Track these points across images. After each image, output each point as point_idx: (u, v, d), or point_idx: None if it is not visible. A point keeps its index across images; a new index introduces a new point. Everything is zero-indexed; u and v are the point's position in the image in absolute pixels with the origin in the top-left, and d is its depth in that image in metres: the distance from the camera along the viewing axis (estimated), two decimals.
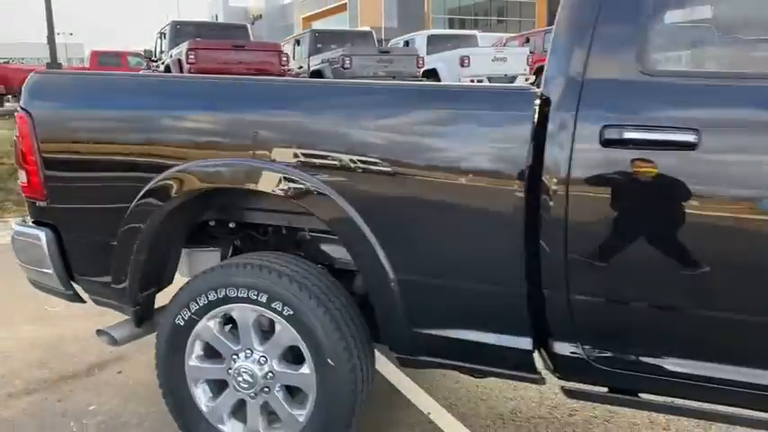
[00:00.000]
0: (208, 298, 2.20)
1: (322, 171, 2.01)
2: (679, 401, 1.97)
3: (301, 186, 2.02)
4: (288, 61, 12.25)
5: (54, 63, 15.40)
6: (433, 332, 2.06)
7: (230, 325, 2.29)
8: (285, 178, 2.04)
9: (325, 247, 2.44)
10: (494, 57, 12.99)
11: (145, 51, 14.41)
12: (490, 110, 1.88)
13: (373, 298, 2.09)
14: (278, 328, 2.16)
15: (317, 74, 12.64)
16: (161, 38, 13.90)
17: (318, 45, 13.56)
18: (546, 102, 1.84)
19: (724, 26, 1.86)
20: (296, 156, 2.03)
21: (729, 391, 1.82)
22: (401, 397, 2.92)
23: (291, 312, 2.10)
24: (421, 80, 12.02)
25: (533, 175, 1.81)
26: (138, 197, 2.22)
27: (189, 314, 2.24)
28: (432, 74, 13.19)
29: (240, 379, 2.23)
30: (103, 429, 2.62)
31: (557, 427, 2.68)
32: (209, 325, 2.25)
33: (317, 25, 58.82)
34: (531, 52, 13.61)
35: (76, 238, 2.42)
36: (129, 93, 2.35)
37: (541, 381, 2.06)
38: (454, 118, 1.91)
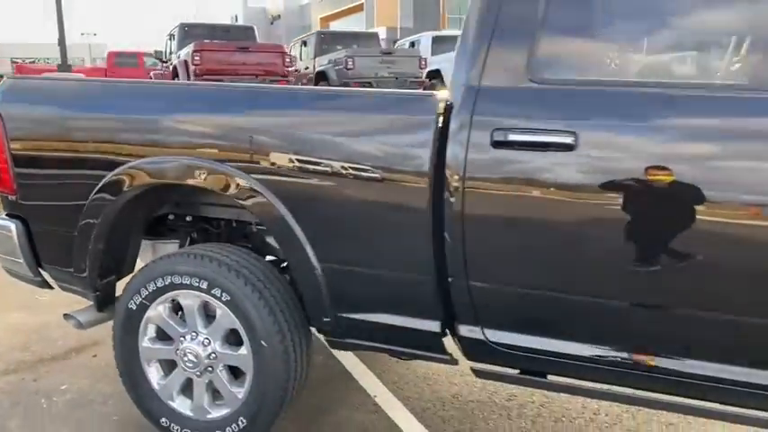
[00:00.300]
0: (156, 284, 2.41)
1: (252, 169, 2.20)
2: (589, 385, 2.13)
3: (231, 182, 2.22)
4: (291, 62, 12.47)
5: (64, 65, 15.79)
6: (355, 316, 2.25)
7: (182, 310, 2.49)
8: (217, 174, 2.24)
9: (269, 240, 2.64)
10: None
11: (156, 52, 14.76)
12: (399, 114, 2.07)
13: (300, 285, 2.28)
14: (218, 312, 2.36)
15: (322, 75, 12.87)
16: (170, 39, 14.24)
17: (324, 46, 13.79)
18: (450, 106, 2.02)
19: (608, 37, 2.03)
20: (228, 154, 2.23)
21: (625, 372, 1.98)
22: (352, 380, 3.11)
23: (229, 298, 2.30)
24: (423, 81, 12.21)
25: (437, 173, 2.00)
26: (94, 192, 2.43)
27: (140, 299, 2.45)
28: (436, 74, 13.36)
29: (186, 359, 2.43)
30: (70, 406, 2.84)
31: (492, 410, 2.85)
32: (159, 309, 2.46)
33: (335, 26, 59.15)
34: None
35: (43, 230, 2.64)
36: (86, 97, 2.57)
37: (453, 362, 2.25)
38: (368, 121, 2.10)
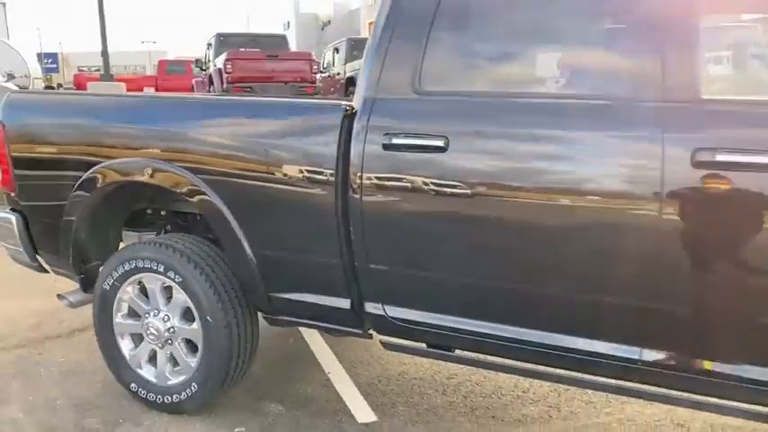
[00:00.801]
0: (123, 268, 2.81)
1: (195, 169, 2.58)
2: (492, 359, 2.43)
3: (179, 180, 2.61)
4: (319, 69, 12.93)
5: (107, 75, 16.68)
6: (283, 296, 2.60)
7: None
8: (167, 173, 2.63)
9: None
10: None
11: (196, 61, 15.48)
12: (310, 119, 2.41)
13: (237, 269, 2.65)
14: (174, 292, 2.75)
15: (352, 80, 13.29)
16: (208, 48, 14.92)
17: (354, 52, 14.21)
18: (354, 113, 2.35)
19: (475, 58, 2.33)
20: (176, 155, 2.62)
21: (511, 347, 2.27)
22: (313, 359, 3.45)
23: (181, 279, 2.68)
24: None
25: (344, 170, 2.33)
26: (74, 189, 2.86)
27: (112, 281, 2.86)
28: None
29: (151, 333, 2.83)
30: (64, 375, 3.27)
31: (430, 386, 3.15)
32: (128, 290, 2.86)
33: None
34: None
35: (37, 222, 3.09)
36: (70, 108, 3.00)
37: (368, 336, 2.57)
38: (288, 126, 2.46)
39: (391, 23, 2.32)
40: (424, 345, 2.50)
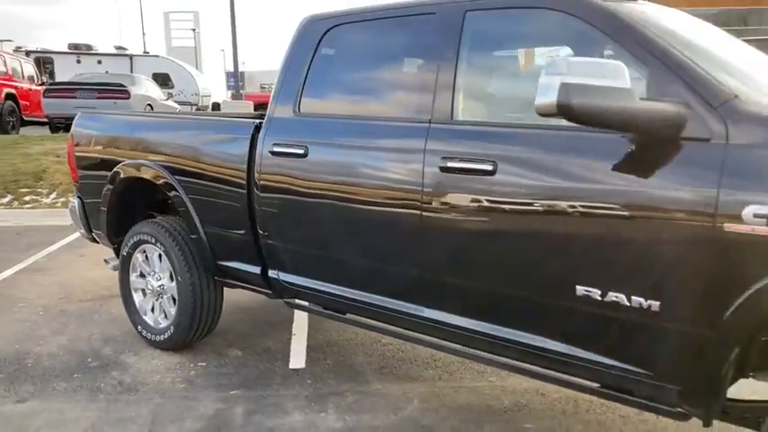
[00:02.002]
0: (133, 240, 3.88)
1: (166, 166, 3.57)
2: (380, 324, 3.10)
3: (160, 177, 3.61)
4: None
5: (237, 94, 18.77)
6: (224, 263, 3.51)
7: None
8: (151, 171, 3.64)
9: None
10: None
11: None
12: (233, 132, 3.31)
13: (194, 242, 3.59)
14: (162, 258, 3.76)
15: None
16: None
17: None
18: (259, 127, 3.20)
19: (337, 90, 3.07)
20: (157, 159, 3.63)
21: (384, 314, 2.94)
22: (289, 325, 4.30)
23: (164, 248, 3.69)
24: None
25: (249, 170, 3.19)
26: (106, 181, 3.97)
27: (128, 249, 3.94)
28: None
29: (150, 289, 3.87)
30: (108, 321, 4.39)
31: (363, 350, 3.88)
32: (138, 256, 3.92)
33: None
34: None
35: (88, 205, 4.26)
36: (108, 124, 4.14)
37: (275, 296, 3.39)
38: (217, 135, 3.38)
39: (287, 65, 3.16)
40: (320, 307, 3.27)
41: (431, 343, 2.78)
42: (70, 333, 4.20)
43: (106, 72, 17.51)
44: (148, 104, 14.03)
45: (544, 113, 1.95)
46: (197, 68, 38.03)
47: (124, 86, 13.47)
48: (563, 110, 1.89)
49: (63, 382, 3.48)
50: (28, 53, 23.46)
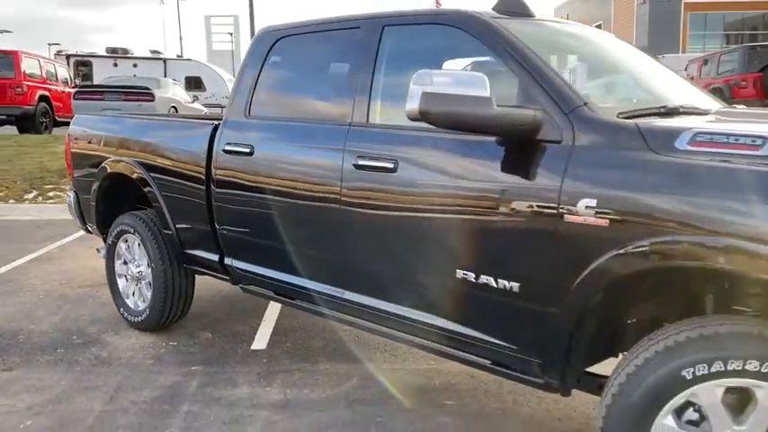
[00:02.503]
0: (116, 230, 4.27)
1: (140, 162, 3.95)
2: (322, 309, 3.44)
3: (135, 173, 4.00)
4: None
5: None
6: (190, 251, 3.87)
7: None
8: (129, 167, 4.03)
9: None
10: None
11: None
12: (193, 130, 3.68)
13: (165, 232, 3.96)
14: (140, 246, 4.15)
15: None
16: None
17: None
18: (217, 127, 3.56)
19: (281, 96, 3.40)
20: (131, 153, 4.02)
21: (318, 298, 3.28)
22: (262, 311, 4.64)
23: (141, 238, 4.08)
24: None
25: (209, 166, 3.55)
26: (94, 178, 4.38)
27: (112, 238, 4.34)
28: None
29: (130, 275, 4.27)
30: (100, 305, 4.79)
31: (323, 335, 4.19)
32: (121, 245, 4.32)
33: None
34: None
35: (82, 199, 4.68)
36: (98, 125, 4.56)
37: (234, 282, 3.74)
38: (182, 135, 3.74)
39: (241, 72, 3.52)
40: (272, 292, 3.60)
41: (351, 322, 3.09)
42: (63, 314, 4.62)
43: (134, 76, 18.23)
44: (173, 107, 14.62)
45: (412, 118, 2.25)
46: (235, 72, 38.88)
47: (149, 89, 14.09)
48: (424, 115, 2.19)
49: (47, 356, 3.88)
50: (68, 57, 24.45)
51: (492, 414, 3.17)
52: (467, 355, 2.63)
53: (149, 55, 25.34)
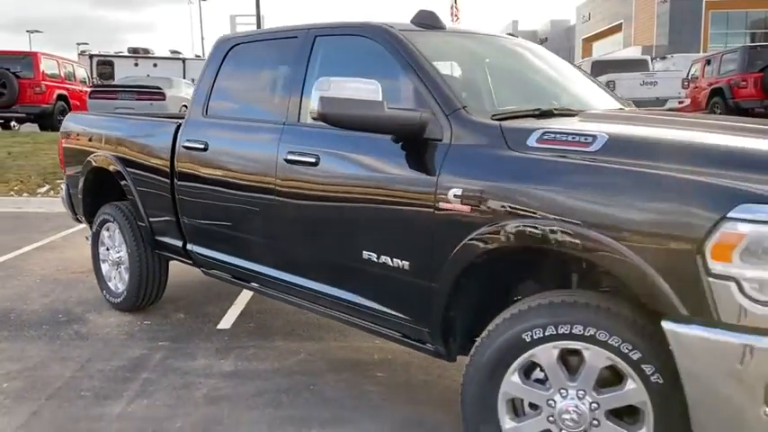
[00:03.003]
0: (99, 219, 4.70)
1: (117, 157, 4.37)
2: (269, 291, 3.83)
3: (109, 166, 4.41)
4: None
5: None
6: (160, 238, 4.27)
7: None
8: (102, 161, 4.45)
9: None
10: (642, 81, 13.48)
11: None
12: (160, 128, 4.07)
13: (139, 221, 4.36)
14: (119, 234, 4.57)
15: None
16: None
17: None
18: (179, 126, 3.96)
19: (232, 99, 3.78)
20: (110, 149, 4.43)
21: (262, 280, 3.66)
22: (234, 296, 5.03)
23: (119, 225, 4.49)
24: None
25: (172, 161, 3.95)
26: (80, 170, 4.81)
27: (96, 226, 4.77)
28: None
29: (112, 260, 4.69)
30: (89, 288, 5.22)
31: (285, 317, 4.56)
32: (104, 233, 4.75)
33: (596, 47, 58.25)
34: (690, 77, 13.68)
35: (71, 191, 5.12)
36: (86, 122, 4.99)
37: (196, 265, 4.13)
38: (152, 133, 4.15)
39: (201, 75, 3.91)
40: (230, 276, 3.98)
41: (291, 302, 3.46)
42: (54, 296, 5.06)
43: (147, 76, 18.82)
44: (184, 105, 15.12)
45: (315, 119, 2.61)
46: None
47: (160, 89, 14.63)
48: (322, 117, 2.55)
49: (33, 331, 4.31)
50: (91, 57, 25.18)
51: (416, 384, 3.51)
52: (377, 327, 2.98)
53: (169, 55, 25.98)
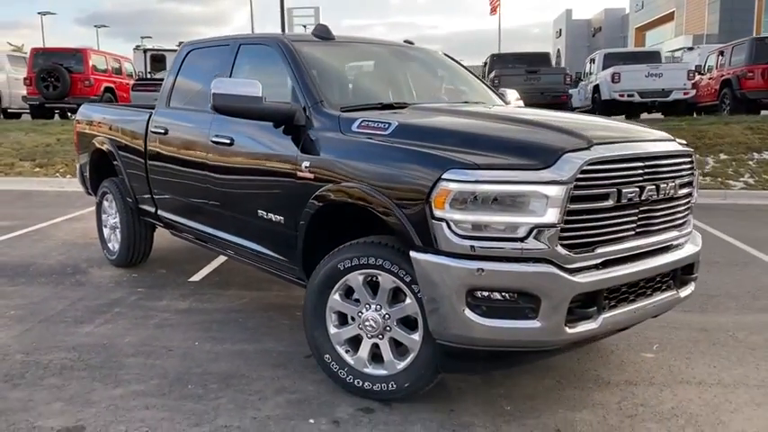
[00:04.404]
0: (101, 191, 5.77)
1: (110, 141, 5.41)
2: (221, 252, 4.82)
3: (105, 147, 5.47)
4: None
5: None
6: (142, 206, 5.29)
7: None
8: (101, 143, 5.51)
9: None
10: (647, 73, 13.87)
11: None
12: (138, 116, 5.08)
13: (126, 193, 5.39)
14: (114, 203, 5.63)
15: (596, 88, 15.81)
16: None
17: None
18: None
19: (185, 91, 4.73)
20: (106, 134, 5.49)
21: (212, 239, 4.66)
22: (212, 259, 6.04)
23: (114, 196, 5.55)
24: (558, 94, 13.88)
25: (145, 143, 4.95)
26: (88, 152, 5.90)
27: (99, 197, 5.85)
28: (596, 89, 14.67)
29: (109, 225, 5.76)
30: (99, 249, 6.34)
31: (247, 276, 5.54)
32: (104, 203, 5.82)
33: (649, 35, 57.21)
34: (701, 68, 13.99)
35: (83, 169, 6.21)
36: (98, 110, 6.06)
37: (166, 228, 5.14)
38: (132, 119, 5.16)
39: (168, 73, 4.89)
40: (192, 237, 4.97)
41: (220, 252, 4.43)
42: (68, 255, 6.19)
43: None
44: None
45: (212, 109, 3.55)
46: None
47: None
48: (215, 108, 3.49)
49: (44, 279, 5.41)
50: (145, 51, 26.85)
51: None
52: (272, 269, 3.90)
53: None
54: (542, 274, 2.60)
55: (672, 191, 3.01)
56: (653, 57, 16.98)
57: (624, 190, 2.77)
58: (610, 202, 2.74)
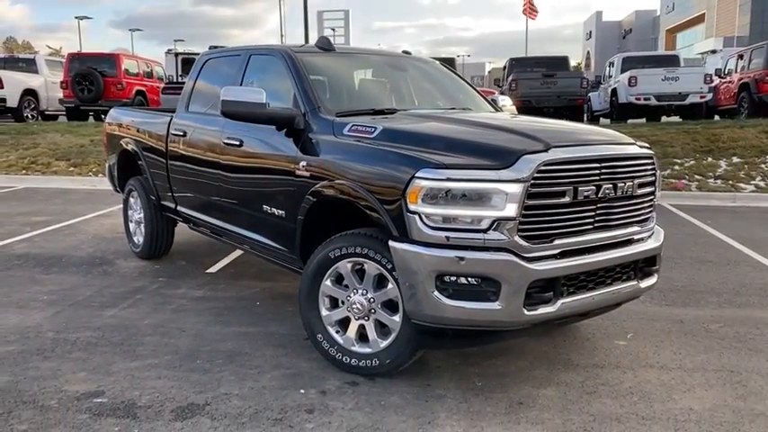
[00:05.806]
0: (127, 188, 6.24)
1: (135, 141, 5.87)
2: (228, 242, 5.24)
3: (130, 148, 5.93)
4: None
5: None
6: (163, 203, 5.73)
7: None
8: (127, 144, 5.97)
9: None
10: (664, 77, 14.01)
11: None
12: (160, 119, 5.52)
13: (149, 190, 5.84)
14: (139, 199, 6.08)
15: (614, 91, 16.07)
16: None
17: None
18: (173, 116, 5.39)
19: (202, 99, 5.14)
20: (131, 135, 5.95)
21: (223, 231, 5.08)
22: (228, 253, 6.47)
23: (138, 194, 6.01)
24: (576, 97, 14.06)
25: (167, 145, 5.39)
26: (115, 152, 6.37)
27: (125, 195, 6.31)
28: (614, 93, 14.84)
29: (134, 219, 6.23)
30: (126, 243, 6.82)
31: (261, 268, 5.95)
32: (130, 200, 6.28)
33: (680, 37, 56.52)
34: (721, 71, 14.08)
35: (112, 169, 6.69)
36: (126, 113, 6.54)
37: (185, 223, 5.57)
38: (155, 122, 5.61)
39: (187, 81, 5.32)
40: (208, 231, 5.40)
41: (231, 245, 4.84)
42: (97, 248, 6.67)
43: None
44: None
45: (222, 114, 3.95)
46: None
47: None
48: (224, 114, 3.89)
49: (74, 268, 5.89)
50: (177, 55, 27.62)
51: None
52: (276, 259, 4.29)
53: None
54: (502, 261, 2.94)
55: (630, 190, 3.32)
56: (672, 60, 17.10)
57: (581, 188, 3.09)
58: (566, 199, 3.06)
